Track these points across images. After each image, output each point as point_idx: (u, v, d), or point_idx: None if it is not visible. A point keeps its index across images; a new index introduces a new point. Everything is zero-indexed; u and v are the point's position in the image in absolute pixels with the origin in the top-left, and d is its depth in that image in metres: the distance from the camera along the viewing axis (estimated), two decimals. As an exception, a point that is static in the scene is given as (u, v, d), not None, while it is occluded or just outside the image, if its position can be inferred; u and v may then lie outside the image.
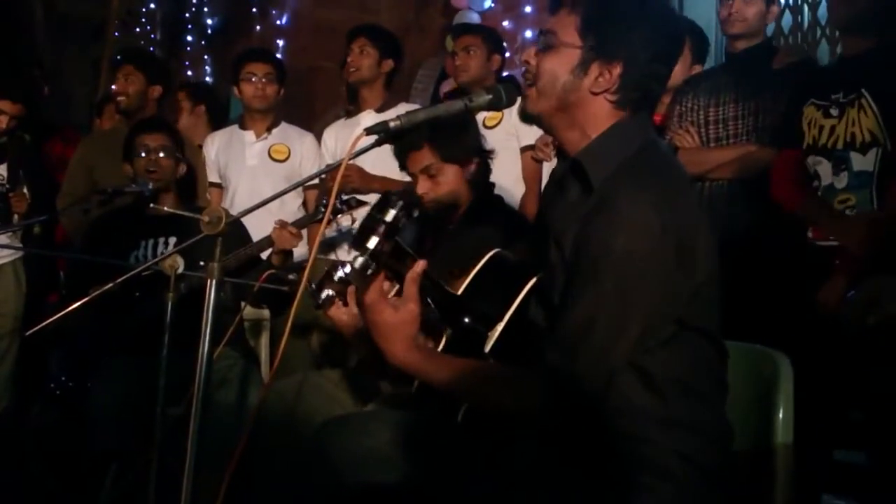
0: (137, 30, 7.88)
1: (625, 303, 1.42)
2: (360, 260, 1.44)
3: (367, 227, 1.45)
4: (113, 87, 3.79)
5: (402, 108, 3.56)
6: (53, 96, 5.49)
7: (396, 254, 1.54)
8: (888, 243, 2.39)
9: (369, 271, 1.46)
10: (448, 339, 1.67)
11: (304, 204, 3.84)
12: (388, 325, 1.51)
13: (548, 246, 1.57)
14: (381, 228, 1.44)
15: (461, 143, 2.44)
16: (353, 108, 3.83)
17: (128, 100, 3.75)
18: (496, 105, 1.61)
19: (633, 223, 1.41)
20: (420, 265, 1.50)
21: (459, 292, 1.76)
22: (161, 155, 3.05)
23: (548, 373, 1.44)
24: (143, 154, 3.06)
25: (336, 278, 1.92)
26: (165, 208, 3.01)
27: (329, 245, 3.46)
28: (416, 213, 1.49)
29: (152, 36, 8.02)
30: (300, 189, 3.75)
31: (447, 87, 4.28)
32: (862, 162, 2.50)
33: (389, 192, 1.49)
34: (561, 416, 1.46)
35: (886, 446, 2.44)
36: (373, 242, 1.43)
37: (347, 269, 1.93)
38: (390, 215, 1.45)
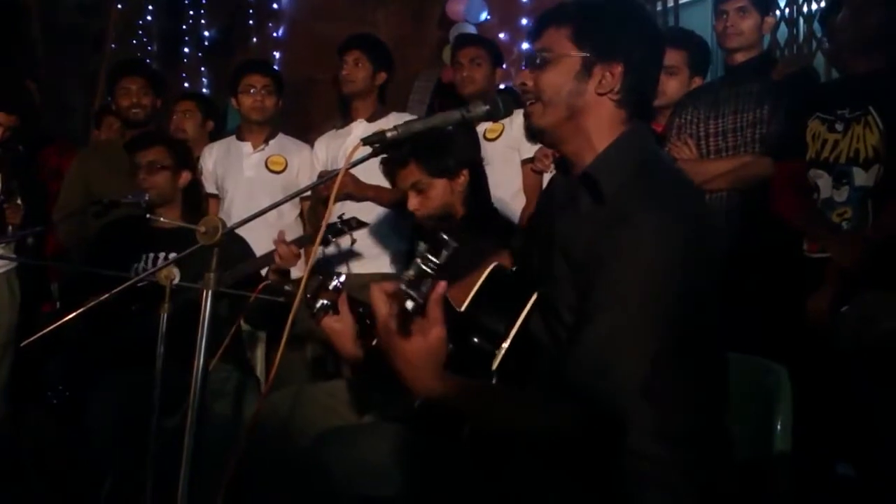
0: (134, 42, 7.87)
1: (647, 318, 1.41)
2: (412, 304, 1.35)
3: (423, 272, 1.36)
4: (128, 100, 3.77)
5: (392, 118, 3.57)
6: (50, 108, 5.49)
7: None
8: (879, 259, 2.42)
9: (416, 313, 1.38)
10: (450, 355, 1.65)
11: (301, 215, 3.83)
12: (418, 352, 1.40)
13: (551, 258, 1.56)
14: (436, 272, 1.37)
15: (447, 157, 2.44)
16: (348, 119, 3.83)
17: (142, 112, 3.76)
18: (494, 115, 1.61)
19: (650, 239, 1.41)
20: (441, 287, 1.41)
21: (463, 308, 1.75)
22: (150, 170, 3.04)
23: (579, 394, 1.42)
24: (137, 171, 3.06)
25: (331, 287, 1.90)
26: (162, 219, 3.00)
27: (328, 263, 3.44)
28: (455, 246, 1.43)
29: (149, 48, 8.00)
30: (297, 200, 3.74)
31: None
32: (864, 177, 2.53)
33: (441, 234, 1.43)
34: (594, 437, 1.43)
35: (878, 460, 2.45)
36: (426, 286, 1.36)
37: (342, 278, 1.92)
38: (443, 257, 1.40)
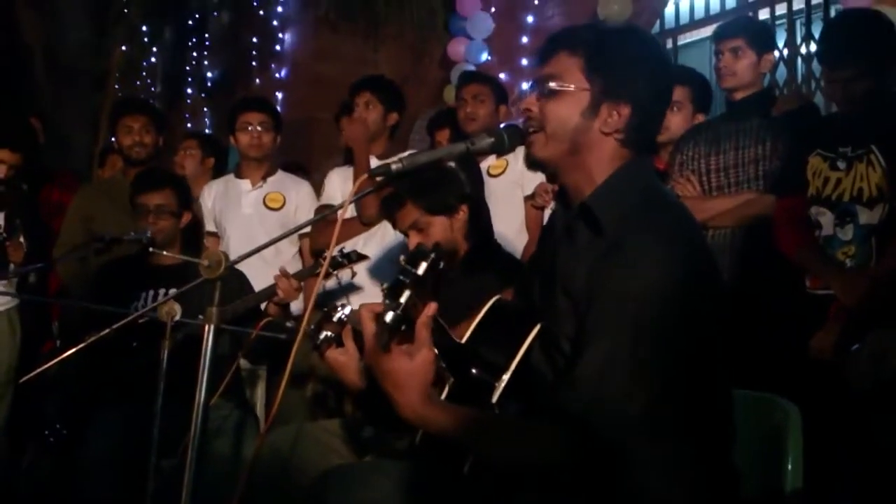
0: (138, 82, 7.95)
1: (644, 347, 1.39)
2: (391, 315, 1.34)
3: (400, 282, 1.37)
4: (131, 138, 3.79)
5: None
6: (53, 146, 5.50)
7: (408, 305, 1.49)
8: (882, 298, 2.41)
9: (403, 327, 1.37)
10: (451, 387, 1.64)
11: (300, 252, 3.82)
12: (402, 373, 1.39)
13: (553, 292, 1.55)
14: (414, 282, 1.37)
15: (444, 194, 2.44)
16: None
17: (144, 150, 3.77)
18: (498, 148, 1.60)
19: (647, 267, 1.40)
20: (431, 308, 1.42)
21: (464, 340, 1.73)
22: (158, 215, 3.05)
23: (573, 424, 1.39)
24: (143, 214, 3.07)
25: (335, 319, 1.89)
26: (165, 252, 3.00)
27: (328, 297, 3.43)
28: (441, 265, 1.42)
29: (153, 88, 8.08)
30: (296, 237, 3.73)
31: (442, 136, 4.29)
32: (868, 216, 2.53)
33: (421, 246, 1.43)
34: (589, 469, 1.41)
35: (885, 498, 2.42)
36: (405, 297, 1.35)
37: (347, 310, 1.91)
38: (422, 269, 1.38)
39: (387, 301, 1.35)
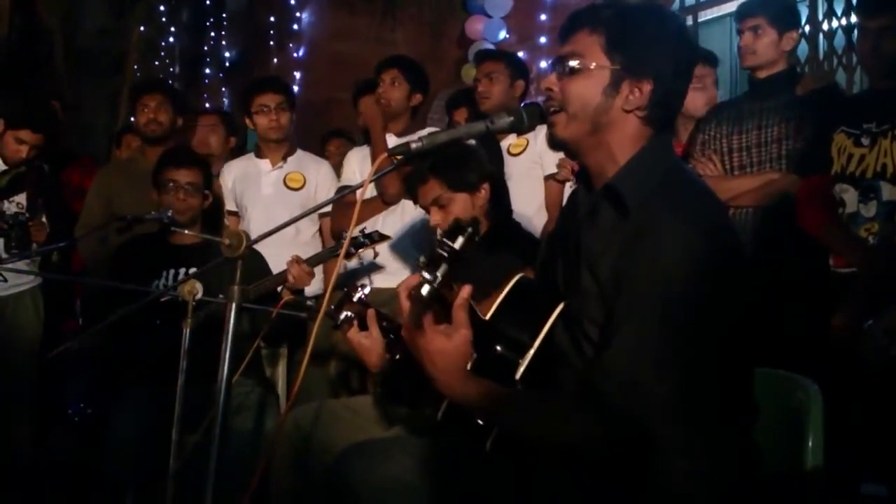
0: (157, 63, 7.97)
1: (672, 329, 1.39)
2: (427, 288, 1.38)
3: (438, 255, 1.40)
4: (146, 116, 3.80)
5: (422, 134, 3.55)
6: (73, 127, 5.54)
7: (444, 280, 1.51)
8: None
9: (436, 303, 1.41)
10: (474, 363, 1.64)
11: (320, 232, 3.83)
12: (440, 353, 1.44)
13: (577, 272, 1.55)
14: (452, 256, 1.39)
15: (467, 171, 2.43)
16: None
17: (159, 128, 3.78)
18: (518, 127, 1.60)
19: (673, 250, 1.40)
20: (466, 290, 1.45)
21: (488, 317, 1.74)
22: (189, 192, 3.06)
23: (604, 405, 1.40)
24: (172, 189, 3.06)
25: (355, 299, 1.91)
26: (186, 231, 3.01)
27: (350, 277, 3.44)
28: (477, 240, 1.44)
29: (171, 69, 8.10)
30: (315, 217, 3.73)
31: (460, 115, 4.28)
32: (891, 192, 2.51)
33: (459, 221, 1.45)
34: (617, 449, 1.42)
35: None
36: (441, 270, 1.38)
37: (367, 290, 1.92)
38: (459, 243, 1.40)
39: (424, 274, 1.37)
